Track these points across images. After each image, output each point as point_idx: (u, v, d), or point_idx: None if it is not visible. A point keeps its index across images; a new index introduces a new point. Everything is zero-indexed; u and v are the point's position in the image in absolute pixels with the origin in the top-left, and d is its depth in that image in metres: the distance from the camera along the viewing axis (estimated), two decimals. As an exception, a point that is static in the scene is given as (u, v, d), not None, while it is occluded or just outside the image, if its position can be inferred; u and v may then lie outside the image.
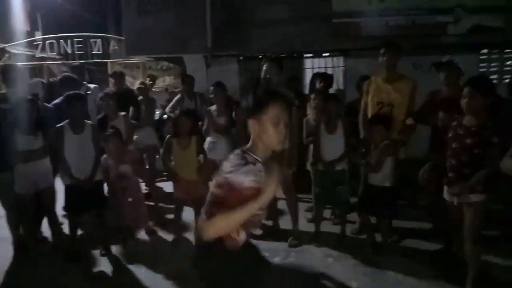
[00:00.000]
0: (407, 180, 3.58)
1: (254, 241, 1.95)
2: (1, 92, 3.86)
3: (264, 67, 3.61)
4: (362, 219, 3.66)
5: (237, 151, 1.66)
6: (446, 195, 2.85)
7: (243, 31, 6.54)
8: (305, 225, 3.99)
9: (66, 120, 3.53)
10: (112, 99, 4.36)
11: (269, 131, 1.62)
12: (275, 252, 3.53)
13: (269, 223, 4.02)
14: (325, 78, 4.84)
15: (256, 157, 1.64)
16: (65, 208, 3.67)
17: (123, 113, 4.37)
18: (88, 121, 3.69)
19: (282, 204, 3.96)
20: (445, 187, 2.84)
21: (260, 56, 6.83)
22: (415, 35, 6.40)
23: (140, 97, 5.48)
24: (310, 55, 7.41)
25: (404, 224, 3.91)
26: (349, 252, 3.50)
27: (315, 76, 5.37)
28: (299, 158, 3.71)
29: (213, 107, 4.56)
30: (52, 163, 3.69)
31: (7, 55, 8.25)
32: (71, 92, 3.59)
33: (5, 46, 8.26)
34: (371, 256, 3.41)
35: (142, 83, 5.90)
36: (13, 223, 3.65)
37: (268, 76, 3.57)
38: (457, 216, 2.79)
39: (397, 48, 3.59)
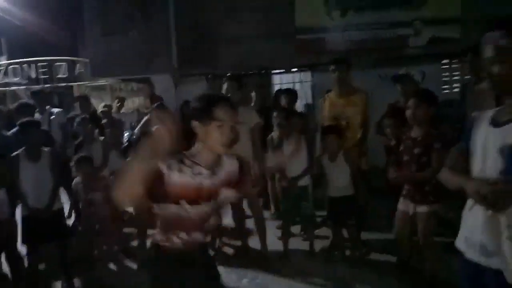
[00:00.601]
0: (373, 189, 3.61)
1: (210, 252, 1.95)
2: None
3: (225, 86, 3.62)
4: (332, 235, 3.66)
5: (178, 156, 1.66)
6: (401, 205, 2.90)
7: (209, 49, 6.61)
8: (276, 243, 3.94)
9: (22, 148, 3.41)
10: (90, 123, 4.41)
11: (213, 134, 1.64)
12: (243, 274, 3.47)
13: (238, 243, 3.97)
14: (289, 94, 4.88)
15: (196, 161, 1.66)
16: (23, 239, 3.51)
17: (102, 137, 4.35)
18: (45, 148, 3.57)
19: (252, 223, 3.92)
20: (401, 198, 2.89)
21: (228, 74, 6.88)
22: (377, 49, 6.61)
23: (104, 120, 5.38)
24: (278, 71, 7.50)
25: (374, 235, 3.92)
26: (318, 269, 3.47)
27: (279, 92, 5.42)
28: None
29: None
30: (9, 194, 3.54)
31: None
32: (25, 119, 3.48)
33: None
34: (341, 271, 3.40)
35: (106, 105, 5.81)
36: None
37: (229, 94, 3.57)
38: (407, 226, 2.86)
39: (345, 64, 3.69)
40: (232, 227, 4.15)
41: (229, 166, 1.81)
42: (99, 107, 6.02)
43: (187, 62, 6.60)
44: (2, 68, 8.09)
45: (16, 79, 8.13)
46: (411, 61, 6.50)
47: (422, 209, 2.75)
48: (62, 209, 3.55)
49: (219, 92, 1.94)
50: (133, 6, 6.52)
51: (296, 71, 7.51)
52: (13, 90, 8.29)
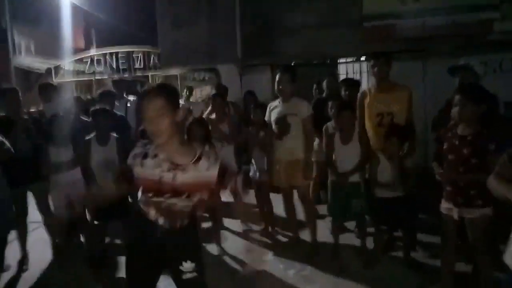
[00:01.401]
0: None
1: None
2: (39, 109, 4.20)
3: (277, 77, 3.60)
4: (377, 234, 3.50)
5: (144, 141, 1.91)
6: (443, 208, 2.70)
7: (273, 39, 6.59)
8: (328, 237, 3.87)
9: (93, 133, 3.76)
10: None
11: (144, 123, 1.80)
12: (290, 264, 3.49)
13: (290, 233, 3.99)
14: (348, 84, 4.68)
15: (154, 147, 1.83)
16: (94, 216, 3.88)
17: None
18: (114, 134, 3.89)
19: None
20: (443, 200, 2.70)
21: (293, 63, 6.82)
22: (457, 35, 6.04)
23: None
24: (344, 60, 7.25)
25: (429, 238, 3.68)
26: (364, 268, 3.36)
27: (341, 82, 5.21)
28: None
29: (213, 115, 4.59)
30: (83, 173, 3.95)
31: (62, 71, 9.00)
32: (95, 107, 3.82)
33: (61, 63, 9.00)
34: (390, 271, 3.26)
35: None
36: (51, 228, 3.96)
37: (280, 86, 3.56)
38: (454, 231, 2.66)
39: (387, 58, 3.44)
40: (284, 217, 4.17)
41: (200, 167, 1.82)
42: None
43: (251, 53, 6.67)
44: (88, 59, 8.96)
45: (100, 69, 8.96)
46: (494, 48, 5.89)
47: (470, 213, 2.53)
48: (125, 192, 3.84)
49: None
50: (200, 2, 6.75)
51: (363, 60, 7.20)
52: (99, 79, 9.14)
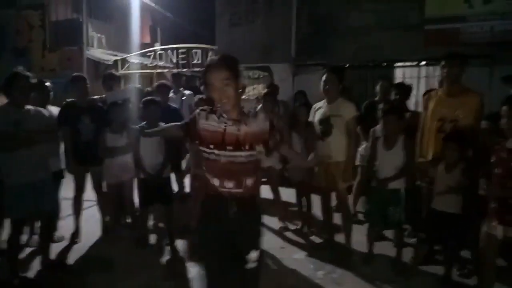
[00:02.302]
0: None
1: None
2: (101, 96, 4.55)
3: (324, 78, 3.58)
4: (420, 247, 3.34)
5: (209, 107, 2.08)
6: (487, 226, 2.53)
7: (328, 40, 6.53)
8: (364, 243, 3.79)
9: (143, 122, 4.00)
10: (204, 103, 4.69)
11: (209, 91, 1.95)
12: (321, 266, 3.48)
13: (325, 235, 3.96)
14: (399, 88, 4.51)
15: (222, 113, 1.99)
16: (139, 199, 4.14)
17: None
18: (162, 124, 4.09)
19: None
20: (487, 217, 2.53)
21: (347, 65, 6.71)
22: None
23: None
24: (401, 64, 6.97)
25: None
26: (396, 276, 3.25)
27: (393, 86, 5.03)
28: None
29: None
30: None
31: (127, 64, 9.63)
32: (146, 98, 4.06)
33: (127, 56, 9.65)
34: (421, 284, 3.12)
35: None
36: (102, 209, 4.31)
37: (326, 87, 3.54)
38: (496, 250, 2.50)
39: (460, 60, 3.22)
40: (320, 219, 4.14)
41: (257, 122, 2.02)
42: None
43: (305, 53, 6.67)
44: (152, 53, 9.49)
45: (162, 63, 9.44)
46: None
47: None
48: (169, 178, 4.05)
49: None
50: (258, 1, 6.86)
51: (424, 64, 6.88)
52: (160, 72, 9.63)
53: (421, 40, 5.95)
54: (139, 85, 7.63)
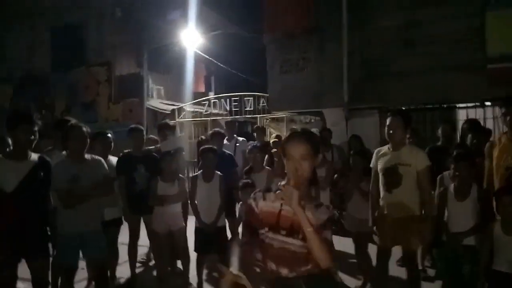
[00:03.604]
0: None
1: None
2: (157, 146, 4.72)
3: (388, 121, 3.32)
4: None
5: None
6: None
7: (383, 83, 6.38)
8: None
9: (200, 171, 4.07)
10: (259, 151, 4.66)
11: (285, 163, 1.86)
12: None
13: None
14: (479, 132, 4.15)
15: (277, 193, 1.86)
16: (195, 248, 4.10)
17: (268, 168, 4.61)
18: (218, 172, 4.12)
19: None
20: None
21: (405, 108, 6.47)
22: None
23: (274, 150, 5.83)
24: (464, 105, 6.58)
25: None
26: None
27: (467, 128, 4.63)
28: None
29: None
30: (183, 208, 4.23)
31: (183, 113, 10.09)
32: (204, 146, 4.14)
33: (183, 105, 10.12)
34: None
35: (277, 136, 6.28)
36: (156, 257, 4.32)
37: (391, 131, 3.28)
38: None
39: None
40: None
41: (316, 212, 1.79)
42: (271, 138, 6.58)
43: (358, 97, 6.55)
44: (207, 102, 9.88)
45: (216, 111, 9.78)
46: None
47: None
48: (224, 227, 4.02)
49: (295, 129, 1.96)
50: (309, 49, 6.97)
51: (488, 105, 6.44)
52: (214, 119, 9.95)
53: (484, 80, 5.61)
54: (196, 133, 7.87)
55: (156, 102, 10.97)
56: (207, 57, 11.64)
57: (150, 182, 4.09)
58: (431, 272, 4.00)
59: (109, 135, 4.30)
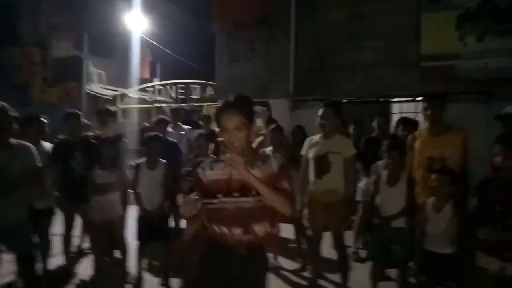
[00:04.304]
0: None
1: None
2: (96, 132, 4.51)
3: (320, 112, 3.52)
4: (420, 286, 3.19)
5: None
6: (483, 262, 2.53)
7: (327, 76, 6.61)
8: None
9: (143, 158, 3.94)
10: (205, 139, 4.61)
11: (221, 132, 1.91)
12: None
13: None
14: (408, 124, 4.47)
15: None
16: (137, 236, 3.99)
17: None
18: (162, 160, 4.04)
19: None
20: (481, 253, 2.55)
21: (345, 100, 6.75)
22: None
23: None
24: (398, 99, 7.02)
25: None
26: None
27: (399, 121, 5.00)
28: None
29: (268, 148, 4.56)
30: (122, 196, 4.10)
31: (126, 99, 9.71)
32: (148, 134, 4.03)
33: (126, 91, 9.75)
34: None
35: (222, 126, 6.24)
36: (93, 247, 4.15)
37: (323, 121, 3.48)
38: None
39: (440, 100, 3.24)
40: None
41: (266, 165, 1.89)
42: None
43: (304, 88, 6.73)
44: (151, 88, 9.60)
45: (161, 98, 9.54)
46: None
47: None
48: (168, 215, 3.95)
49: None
50: (257, 39, 7.01)
51: (420, 100, 6.92)
52: (159, 107, 9.70)
53: (418, 76, 6.02)
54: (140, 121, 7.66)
55: (97, 87, 10.45)
56: (153, 42, 11.28)
57: (88, 170, 3.90)
58: (363, 254, 4.24)
59: (43, 119, 4.02)
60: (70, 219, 4.07)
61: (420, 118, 6.68)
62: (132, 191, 3.97)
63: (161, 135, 4.25)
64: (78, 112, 4.35)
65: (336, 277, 3.67)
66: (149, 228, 3.81)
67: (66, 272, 4.03)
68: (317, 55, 6.75)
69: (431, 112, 3.23)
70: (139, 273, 3.92)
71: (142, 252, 3.97)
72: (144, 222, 3.86)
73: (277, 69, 6.87)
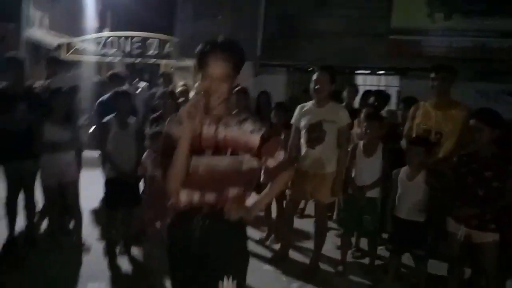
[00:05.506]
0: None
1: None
2: (43, 81, 3.96)
3: (314, 76, 3.24)
4: (389, 259, 3.27)
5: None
6: (452, 228, 2.72)
7: (295, 42, 6.41)
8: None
9: (113, 115, 3.50)
10: (170, 98, 4.21)
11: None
12: (293, 278, 3.29)
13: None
14: (379, 96, 4.44)
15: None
16: (106, 202, 3.64)
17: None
18: (133, 117, 3.65)
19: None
20: (450, 219, 2.74)
21: (310, 68, 6.63)
22: (483, 59, 5.85)
23: (182, 99, 5.46)
24: (363, 71, 7.05)
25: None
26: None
27: (368, 93, 4.95)
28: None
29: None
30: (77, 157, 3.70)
31: (73, 49, 8.79)
32: (120, 88, 3.60)
33: (73, 40, 8.80)
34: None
35: (184, 84, 5.91)
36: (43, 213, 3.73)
37: (317, 86, 3.22)
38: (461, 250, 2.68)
39: (450, 72, 3.19)
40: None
41: (244, 126, 1.68)
42: (178, 86, 6.17)
43: (270, 53, 6.49)
44: (102, 39, 8.75)
45: (113, 51, 8.75)
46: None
47: (482, 237, 2.57)
48: (139, 177, 3.58)
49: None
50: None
51: (383, 73, 7.00)
52: (110, 61, 8.92)
53: (385, 49, 6.03)
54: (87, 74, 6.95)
55: (39, 32, 9.32)
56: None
57: (35, 125, 3.40)
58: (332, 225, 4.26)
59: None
60: (14, 180, 3.57)
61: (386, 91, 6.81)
62: (99, 151, 3.55)
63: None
64: (22, 57, 3.75)
65: (305, 248, 3.64)
66: (120, 192, 3.44)
67: (10, 241, 3.58)
68: (286, 19, 6.49)
69: (438, 83, 3.16)
70: (110, 244, 3.55)
71: (113, 219, 3.62)
72: (114, 186, 3.49)
73: (244, 30, 6.52)
